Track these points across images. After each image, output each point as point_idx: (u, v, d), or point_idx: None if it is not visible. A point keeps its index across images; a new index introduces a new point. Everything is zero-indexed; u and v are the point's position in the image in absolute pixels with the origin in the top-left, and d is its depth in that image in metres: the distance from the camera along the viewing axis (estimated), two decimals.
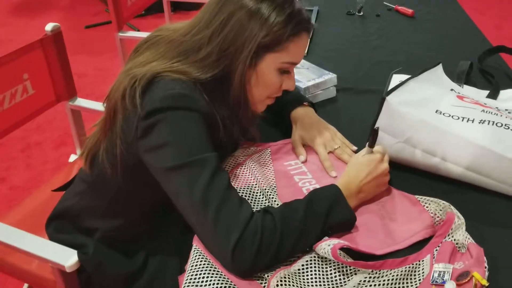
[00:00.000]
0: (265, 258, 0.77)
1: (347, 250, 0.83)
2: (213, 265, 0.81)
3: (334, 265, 0.81)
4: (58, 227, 1.12)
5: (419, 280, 0.79)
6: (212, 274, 0.79)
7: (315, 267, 0.81)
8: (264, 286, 0.78)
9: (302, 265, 0.81)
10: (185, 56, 0.91)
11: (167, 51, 0.92)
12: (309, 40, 0.96)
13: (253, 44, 0.88)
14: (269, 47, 0.90)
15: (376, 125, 1.04)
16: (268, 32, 0.88)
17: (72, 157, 1.64)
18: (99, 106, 1.53)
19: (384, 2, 2.08)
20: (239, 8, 0.88)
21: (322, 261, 0.82)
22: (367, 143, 0.98)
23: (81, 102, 1.55)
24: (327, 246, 0.79)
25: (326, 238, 0.83)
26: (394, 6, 2.03)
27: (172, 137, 0.83)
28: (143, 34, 2.25)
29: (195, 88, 0.88)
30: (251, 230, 0.77)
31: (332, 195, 0.87)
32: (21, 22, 4.01)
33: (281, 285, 0.76)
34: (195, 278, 0.78)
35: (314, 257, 0.83)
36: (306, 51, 0.91)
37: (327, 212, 0.84)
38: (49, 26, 1.40)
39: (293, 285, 0.77)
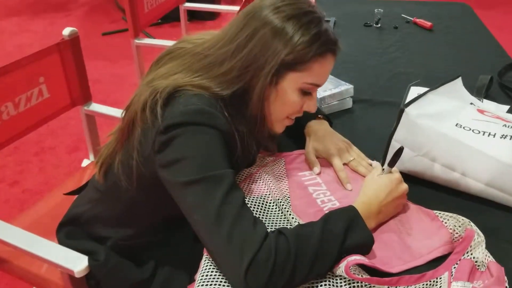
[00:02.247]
0: (278, 282, 0.73)
1: (362, 265, 0.80)
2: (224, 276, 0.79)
3: (347, 281, 0.78)
4: (69, 233, 1.11)
5: None
6: (224, 285, 0.77)
7: (328, 282, 0.79)
8: None
9: (316, 279, 0.79)
10: (208, 69, 0.89)
11: (191, 64, 0.91)
12: (333, 63, 0.94)
13: (275, 61, 0.86)
14: (292, 66, 0.88)
15: (394, 138, 1.02)
16: (291, 50, 0.86)
17: (85, 162, 1.64)
18: (113, 111, 1.53)
19: (402, 15, 2.06)
20: (264, 24, 0.86)
21: (335, 276, 0.79)
22: (387, 162, 0.94)
23: (95, 107, 1.55)
24: (342, 264, 0.77)
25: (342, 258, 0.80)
26: (412, 19, 2.02)
27: (189, 152, 0.81)
28: (159, 42, 2.28)
29: (216, 105, 0.86)
30: (265, 251, 0.74)
31: (350, 217, 0.83)
32: (40, 27, 4.07)
33: None
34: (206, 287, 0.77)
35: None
36: None
37: (344, 235, 0.80)
38: (66, 31, 1.41)
39: None
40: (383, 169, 0.96)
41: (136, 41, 2.09)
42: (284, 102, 0.92)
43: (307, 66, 0.88)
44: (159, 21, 3.84)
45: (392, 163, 0.94)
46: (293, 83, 0.90)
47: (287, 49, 0.86)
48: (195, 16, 3.96)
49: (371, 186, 0.92)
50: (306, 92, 0.93)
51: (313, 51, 0.87)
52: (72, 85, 1.48)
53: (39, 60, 1.34)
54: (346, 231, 0.80)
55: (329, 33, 0.89)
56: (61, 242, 1.10)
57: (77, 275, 0.98)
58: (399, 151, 0.93)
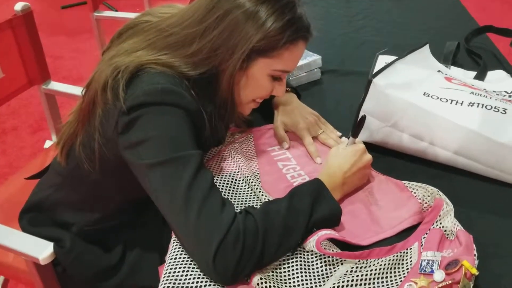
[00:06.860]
0: (248, 263, 0.73)
1: (333, 239, 0.80)
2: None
3: (318, 256, 0.78)
4: (32, 220, 1.06)
5: (407, 269, 0.77)
6: (193, 267, 0.76)
7: (299, 257, 0.78)
8: (247, 279, 0.74)
9: (287, 255, 0.78)
10: (174, 49, 0.85)
11: (156, 40, 0.86)
12: (304, 49, 0.92)
13: (246, 47, 0.83)
14: (263, 52, 0.85)
15: (363, 109, 1.01)
16: (263, 36, 0.83)
17: (48, 143, 1.58)
18: (74, 89, 1.46)
19: None
20: (237, 7, 0.82)
21: (306, 252, 0.79)
22: (350, 133, 0.94)
23: (55, 85, 1.48)
24: (312, 239, 0.76)
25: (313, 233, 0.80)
26: None
27: (154, 133, 0.78)
28: (121, 14, 2.18)
29: (182, 83, 0.82)
30: (233, 234, 0.72)
31: (315, 189, 0.82)
32: None
33: (265, 278, 0.73)
34: (174, 270, 0.75)
35: (298, 247, 0.80)
36: None
37: (311, 208, 0.79)
38: (18, 6, 1.33)
39: (277, 277, 0.75)
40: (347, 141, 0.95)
41: (96, 14, 2.00)
42: (254, 87, 0.90)
43: (278, 53, 0.86)
44: None
45: (355, 134, 0.93)
46: (263, 69, 0.87)
47: (259, 35, 0.83)
48: None
49: (335, 158, 0.92)
50: (276, 78, 0.91)
51: (285, 38, 0.84)
52: (28, 63, 1.40)
53: None
54: (313, 205, 0.80)
55: (303, 19, 0.86)
56: (24, 230, 1.06)
57: (42, 263, 0.95)
58: (362, 120, 0.92)
